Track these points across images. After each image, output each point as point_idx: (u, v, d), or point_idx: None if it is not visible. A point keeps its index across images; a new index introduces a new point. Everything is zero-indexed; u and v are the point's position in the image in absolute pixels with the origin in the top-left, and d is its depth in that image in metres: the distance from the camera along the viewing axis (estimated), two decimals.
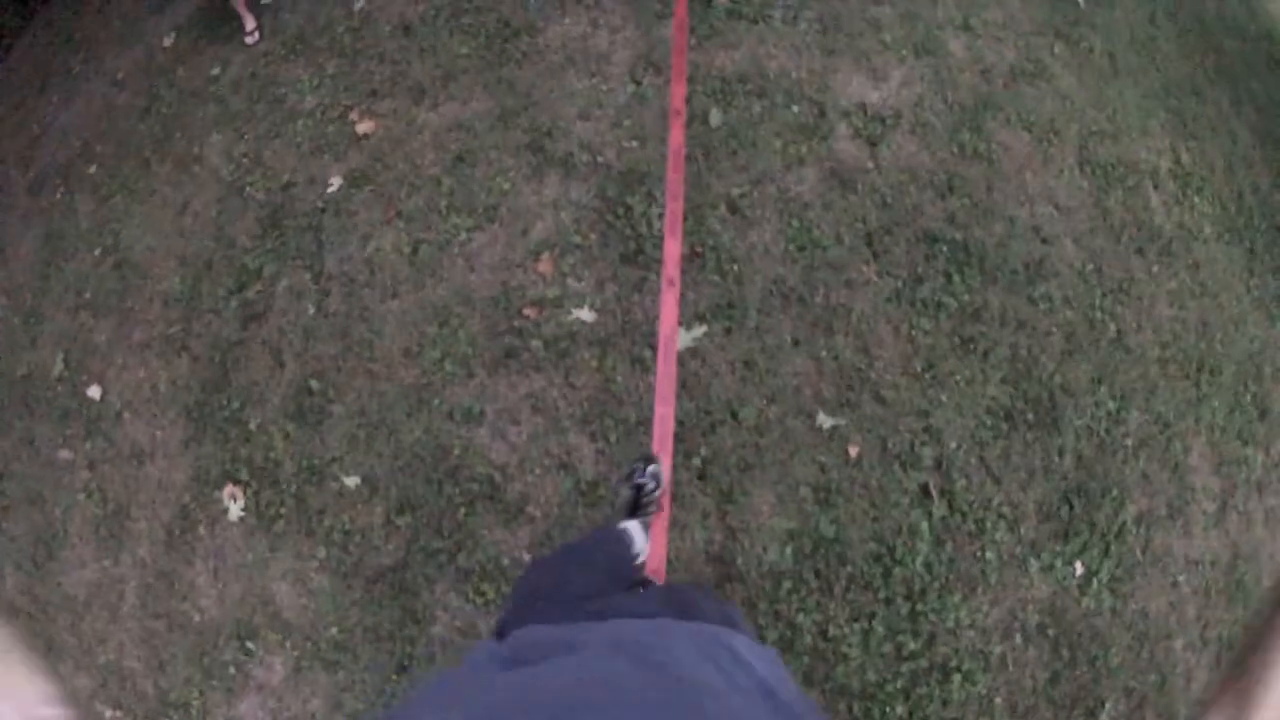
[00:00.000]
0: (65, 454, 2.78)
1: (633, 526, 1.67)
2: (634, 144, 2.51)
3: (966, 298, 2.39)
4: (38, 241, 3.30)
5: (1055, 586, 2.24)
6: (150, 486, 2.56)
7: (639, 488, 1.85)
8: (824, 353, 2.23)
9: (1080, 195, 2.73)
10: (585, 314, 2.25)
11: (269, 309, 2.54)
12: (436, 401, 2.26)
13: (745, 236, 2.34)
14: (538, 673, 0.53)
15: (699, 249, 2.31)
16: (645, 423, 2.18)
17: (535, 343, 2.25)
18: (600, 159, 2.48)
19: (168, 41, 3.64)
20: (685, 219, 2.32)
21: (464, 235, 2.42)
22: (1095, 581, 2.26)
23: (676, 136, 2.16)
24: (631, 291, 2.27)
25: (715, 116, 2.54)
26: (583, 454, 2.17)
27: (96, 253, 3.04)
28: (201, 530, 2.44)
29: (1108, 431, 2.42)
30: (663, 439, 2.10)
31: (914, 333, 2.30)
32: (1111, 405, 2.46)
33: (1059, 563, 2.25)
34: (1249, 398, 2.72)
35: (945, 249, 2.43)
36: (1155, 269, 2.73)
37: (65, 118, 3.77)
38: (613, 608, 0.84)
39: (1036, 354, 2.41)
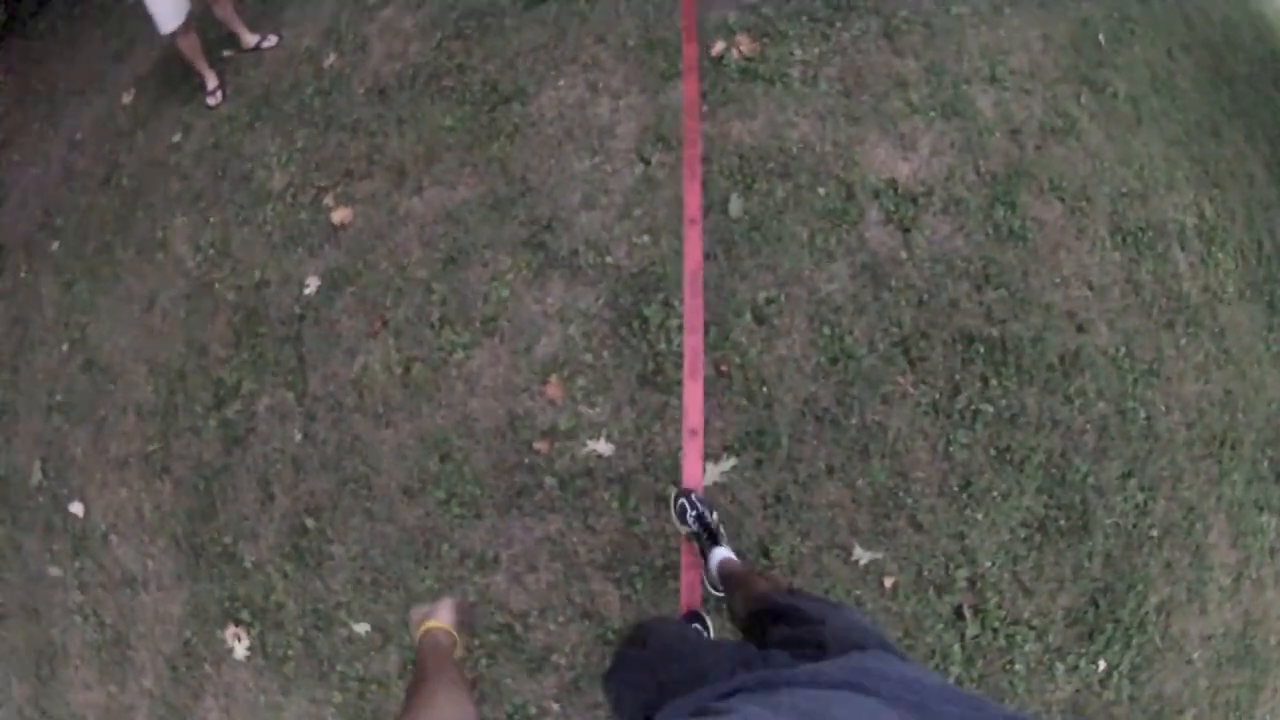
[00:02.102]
0: (55, 571, 2.33)
1: (723, 553, 1.57)
2: (646, 239, 2.00)
3: (1004, 402, 1.98)
4: (4, 325, 2.73)
5: (1079, 685, 1.97)
6: (147, 617, 2.15)
7: (701, 518, 1.67)
8: (860, 480, 1.82)
9: (1113, 270, 2.29)
10: (602, 446, 1.81)
11: (251, 432, 2.05)
12: (445, 546, 1.84)
13: (773, 349, 1.89)
14: None
15: (724, 368, 1.85)
16: (672, 567, 1.79)
17: (549, 480, 1.81)
18: (609, 259, 1.97)
19: (127, 98, 2.96)
20: (707, 331, 1.85)
21: (460, 353, 1.92)
22: (1116, 674, 2.02)
23: (693, 253, 1.66)
24: (652, 420, 1.82)
25: (735, 205, 2.02)
26: (608, 600, 1.78)
27: (64, 348, 2.49)
28: (208, 668, 2.05)
29: (1134, 526, 2.10)
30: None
31: (951, 448, 1.90)
32: (1140, 498, 2.13)
33: (1083, 663, 1.98)
34: (1266, 464, 2.42)
35: (982, 349, 2.00)
36: (1183, 342, 2.34)
37: (25, 180, 3.12)
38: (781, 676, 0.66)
39: (1070, 456, 2.04)
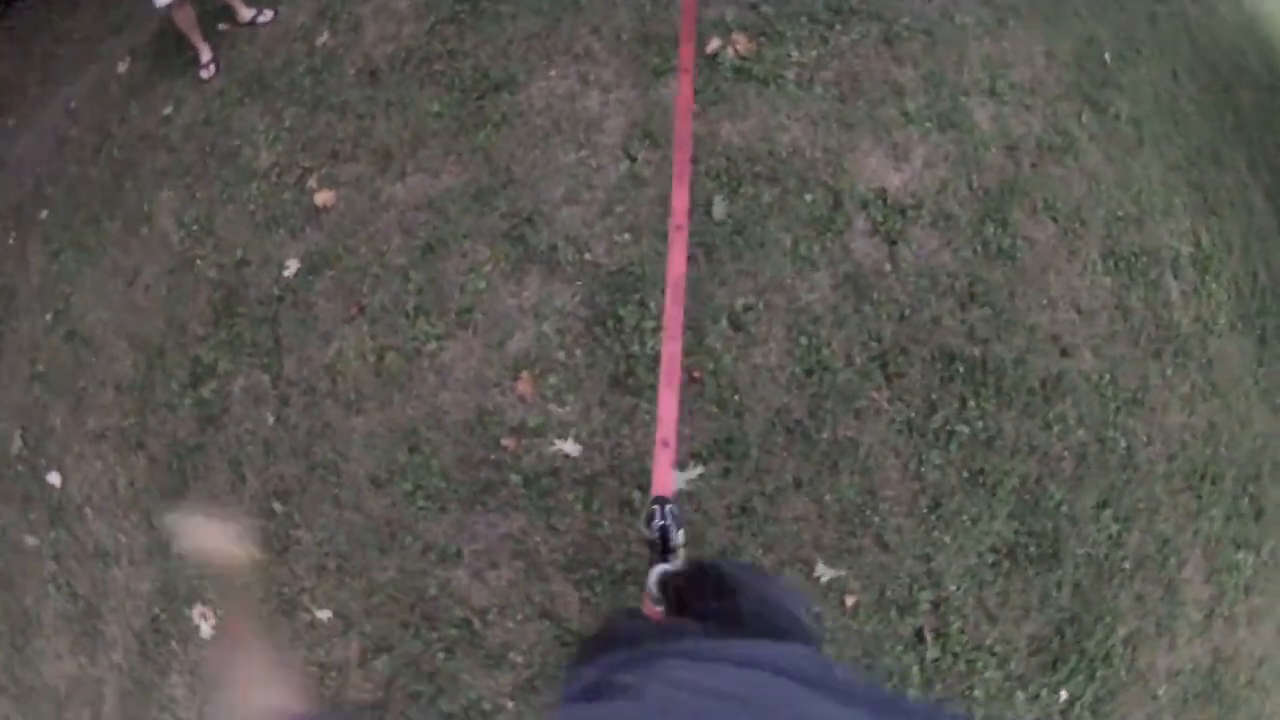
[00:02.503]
0: (31, 540, 2.31)
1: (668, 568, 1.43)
2: (626, 237, 1.93)
3: (981, 424, 1.92)
4: None
5: (1039, 714, 1.93)
6: (118, 591, 2.12)
7: (663, 530, 1.55)
8: (827, 495, 1.77)
9: (1102, 295, 2.21)
10: (569, 446, 1.76)
11: (225, 412, 2.01)
12: (409, 538, 1.80)
13: (748, 357, 1.83)
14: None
15: (696, 374, 1.80)
16: (634, 572, 1.75)
17: (514, 478, 1.77)
18: (588, 256, 1.91)
19: (122, 67, 2.89)
20: (683, 334, 1.79)
21: (434, 344, 1.87)
22: (1078, 705, 1.97)
23: (678, 259, 1.59)
24: (620, 422, 1.77)
25: (719, 207, 1.95)
26: (567, 602, 1.74)
27: (48, 318, 2.44)
28: (174, 645, 2.03)
29: (1107, 556, 2.05)
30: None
31: (923, 468, 1.84)
32: (1114, 528, 2.07)
33: (1045, 692, 1.94)
34: (1246, 501, 2.36)
35: (962, 368, 1.94)
36: (1169, 372, 2.27)
37: (19, 148, 3.06)
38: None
39: (1045, 482, 1.98)
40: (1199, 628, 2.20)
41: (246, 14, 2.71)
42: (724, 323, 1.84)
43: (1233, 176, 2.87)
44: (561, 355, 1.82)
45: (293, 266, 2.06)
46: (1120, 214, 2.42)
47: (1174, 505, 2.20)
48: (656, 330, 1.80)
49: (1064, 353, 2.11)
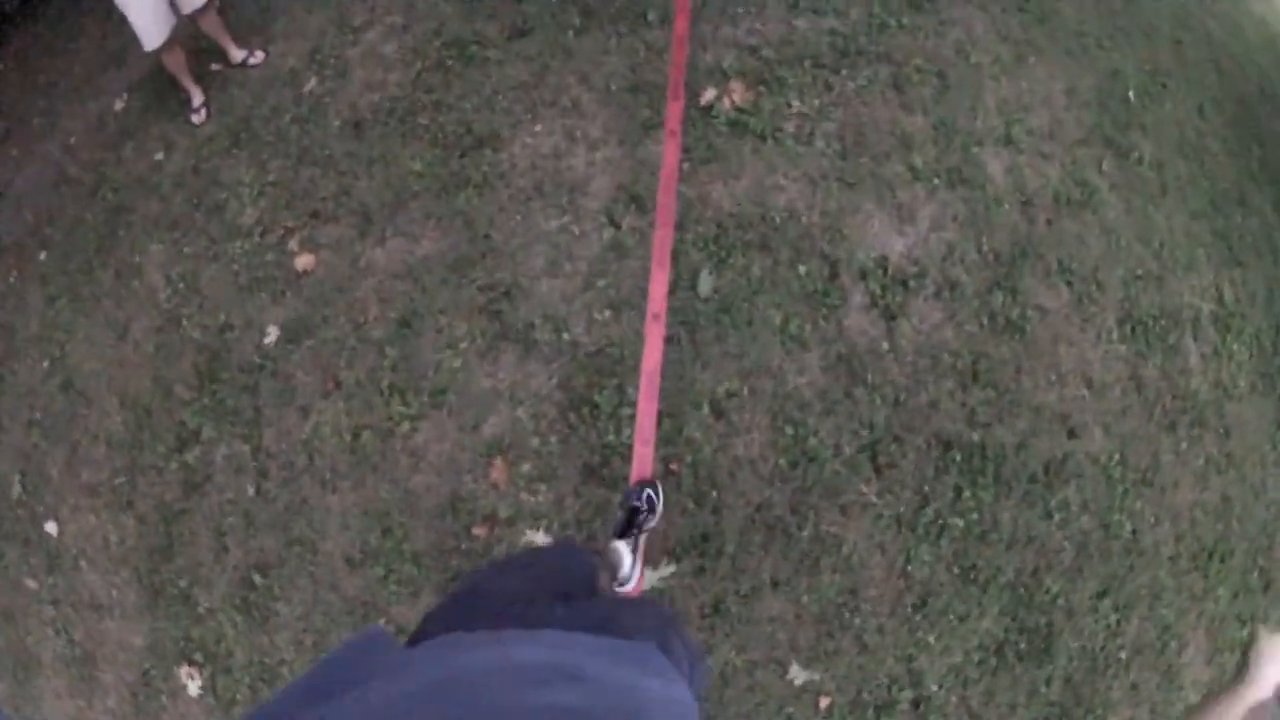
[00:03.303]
0: (31, 583, 2.31)
1: (620, 547, 1.49)
2: (607, 314, 1.79)
3: (975, 517, 1.76)
4: None
5: None
6: (111, 642, 2.12)
7: (634, 510, 1.56)
8: (806, 596, 1.65)
9: (1116, 366, 2.01)
10: (540, 538, 1.67)
11: (209, 480, 1.96)
12: (383, 620, 1.73)
13: (729, 448, 1.69)
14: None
15: (674, 466, 1.67)
16: None
17: None
18: (566, 335, 1.77)
19: (119, 105, 2.80)
20: (660, 424, 1.66)
21: (407, 425, 1.78)
22: None
23: (653, 352, 1.46)
24: (594, 515, 1.66)
25: (705, 283, 1.79)
26: None
27: (45, 365, 2.41)
28: (165, 699, 2.01)
29: (1103, 648, 1.89)
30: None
31: (910, 565, 1.70)
32: (1113, 618, 1.91)
33: None
34: (1255, 575, 2.18)
35: (959, 456, 1.78)
36: (1184, 446, 2.08)
37: (21, 180, 3.00)
38: (542, 618, 0.72)
39: (1042, 575, 1.83)
40: (1195, 708, 2.05)
41: (238, 55, 2.58)
42: (705, 410, 1.71)
43: (1258, 220, 2.61)
44: (536, 442, 1.71)
45: (273, 334, 1.98)
46: (1140, 272, 2.20)
47: (1179, 589, 2.03)
48: (633, 419, 1.67)
49: (1071, 433, 1.93)
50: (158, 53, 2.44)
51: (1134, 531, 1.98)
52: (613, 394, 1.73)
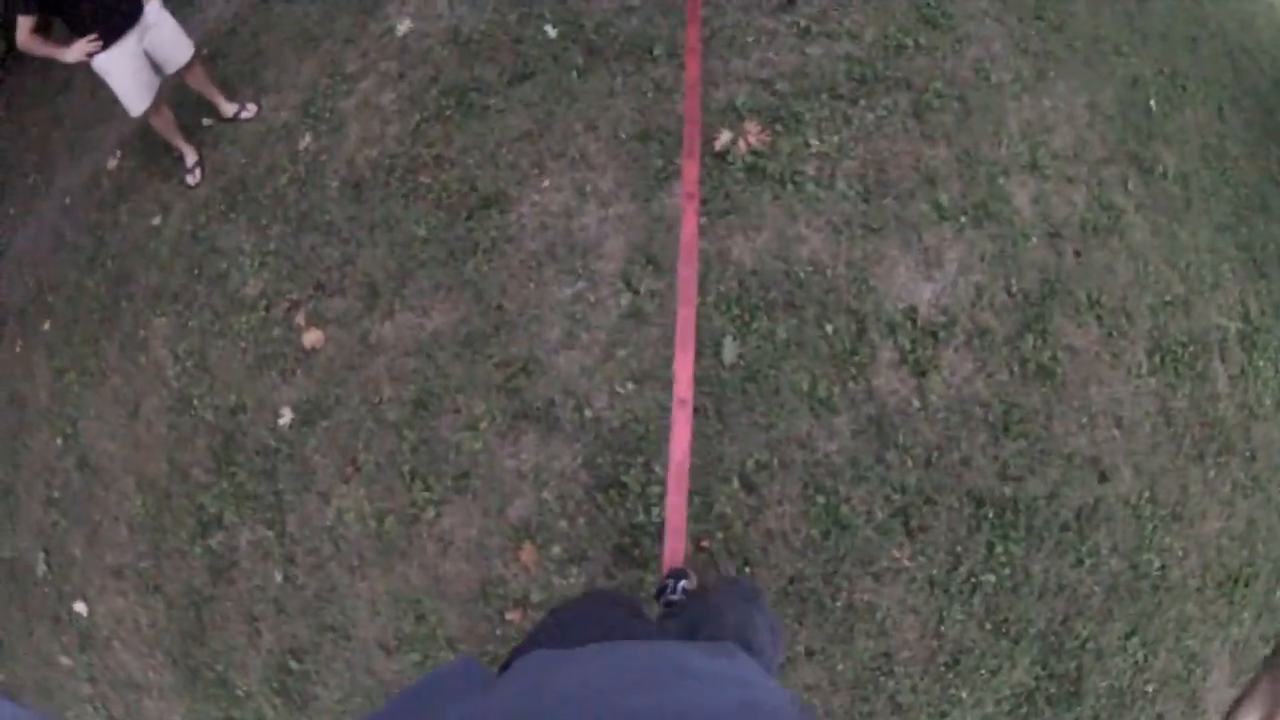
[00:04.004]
0: (65, 660, 2.29)
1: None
2: (630, 387, 1.70)
3: (1007, 572, 1.71)
4: (2, 400, 2.57)
5: None
6: None
7: (669, 604, 1.49)
8: (841, 664, 1.60)
9: (1146, 401, 1.93)
10: None
11: (235, 566, 1.90)
12: None
13: (761, 522, 1.62)
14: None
15: (705, 544, 1.60)
16: None
17: None
18: (588, 412, 1.69)
19: (112, 163, 2.67)
20: (690, 501, 1.59)
21: (432, 511, 1.71)
22: None
23: (681, 439, 1.37)
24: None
25: (730, 350, 1.69)
26: None
27: (59, 442, 2.34)
28: None
29: (1130, 684, 1.87)
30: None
31: (943, 626, 1.65)
32: (1140, 654, 1.88)
33: None
34: (1278, 595, 2.11)
35: (991, 513, 1.71)
36: (1212, 474, 2.02)
37: (20, 241, 2.89)
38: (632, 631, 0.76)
39: (1072, 622, 1.78)
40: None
41: (229, 109, 2.44)
42: (735, 484, 1.63)
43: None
44: (564, 525, 1.64)
45: (287, 415, 1.89)
46: (1168, 298, 2.10)
47: (1204, 618, 2.00)
48: (662, 496, 1.60)
49: (1102, 476, 1.86)
50: (145, 116, 2.30)
51: (1162, 568, 1.93)
52: (640, 473, 1.65)
